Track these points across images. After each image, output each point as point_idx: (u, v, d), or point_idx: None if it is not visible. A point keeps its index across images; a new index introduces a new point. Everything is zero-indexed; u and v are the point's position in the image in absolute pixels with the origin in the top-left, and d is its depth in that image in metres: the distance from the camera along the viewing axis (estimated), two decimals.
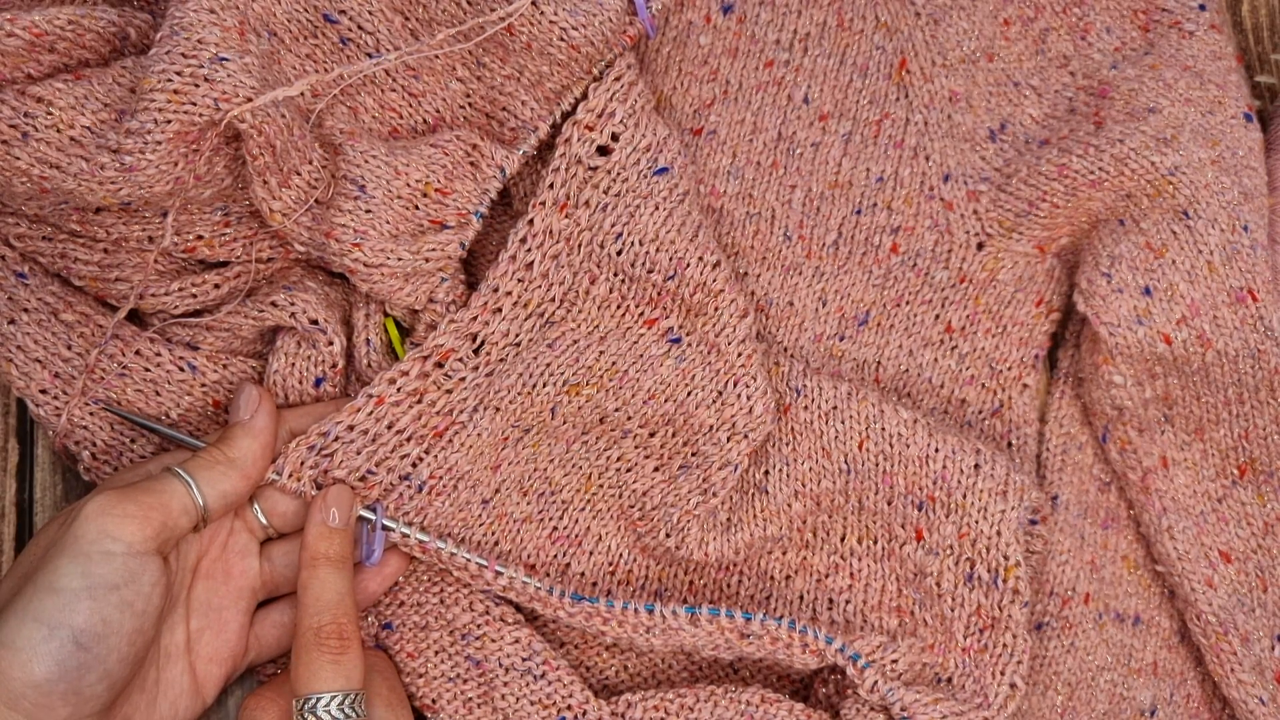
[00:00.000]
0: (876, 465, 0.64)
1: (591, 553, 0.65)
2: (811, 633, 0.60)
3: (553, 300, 0.63)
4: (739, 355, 0.63)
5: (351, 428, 0.60)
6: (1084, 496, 0.68)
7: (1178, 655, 0.67)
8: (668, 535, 0.63)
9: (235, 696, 0.65)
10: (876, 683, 0.59)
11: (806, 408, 0.65)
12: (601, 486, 0.65)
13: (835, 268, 0.69)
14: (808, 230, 0.69)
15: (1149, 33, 0.68)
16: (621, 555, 0.65)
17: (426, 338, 0.62)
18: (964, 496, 0.62)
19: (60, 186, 0.55)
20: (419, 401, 0.61)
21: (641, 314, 0.64)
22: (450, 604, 0.62)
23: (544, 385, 0.63)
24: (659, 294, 0.63)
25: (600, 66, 0.63)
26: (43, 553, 0.54)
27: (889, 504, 0.63)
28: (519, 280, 0.62)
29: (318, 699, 0.54)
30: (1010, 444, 0.68)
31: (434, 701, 0.62)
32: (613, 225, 0.62)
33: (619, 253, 0.62)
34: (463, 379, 0.61)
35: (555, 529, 0.65)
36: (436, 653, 0.62)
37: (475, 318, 0.62)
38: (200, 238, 0.61)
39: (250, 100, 0.54)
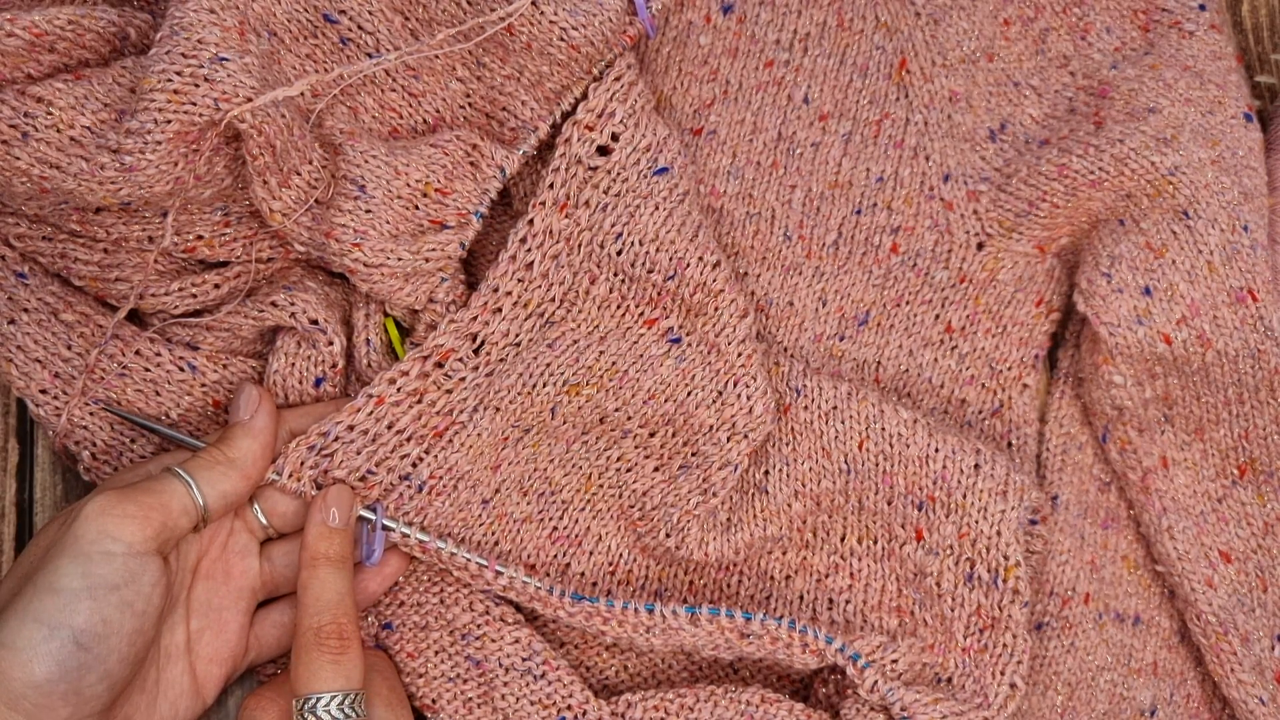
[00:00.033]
0: (876, 465, 0.64)
1: (591, 553, 0.65)
2: (811, 633, 0.60)
3: (553, 300, 0.63)
4: (739, 355, 0.63)
5: (351, 428, 0.60)
6: (1084, 496, 0.68)
7: (1178, 655, 0.67)
8: (668, 535, 0.63)
9: (235, 696, 0.65)
10: (876, 683, 0.59)
11: (806, 408, 0.65)
12: (601, 486, 0.65)
13: (835, 268, 0.69)
14: (808, 230, 0.69)
15: (1149, 33, 0.68)
16: (621, 555, 0.65)
17: (426, 338, 0.62)
18: (964, 496, 0.62)
19: (60, 186, 0.55)
20: (419, 401, 0.61)
21: (641, 314, 0.64)
22: (450, 604, 0.62)
23: (544, 385, 0.63)
24: (659, 294, 0.63)
25: (600, 66, 0.63)
26: (43, 553, 0.54)
27: (889, 504, 0.63)
28: (519, 280, 0.62)
29: (317, 699, 0.54)
30: (1010, 444, 0.68)
31: (434, 701, 0.62)
32: (613, 225, 0.62)
33: (619, 253, 0.62)
34: (463, 379, 0.61)
35: (555, 529, 0.65)
36: (436, 653, 0.62)
37: (475, 318, 0.62)
38: (200, 238, 0.61)
39: (250, 100, 0.54)
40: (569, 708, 0.61)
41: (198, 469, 0.56)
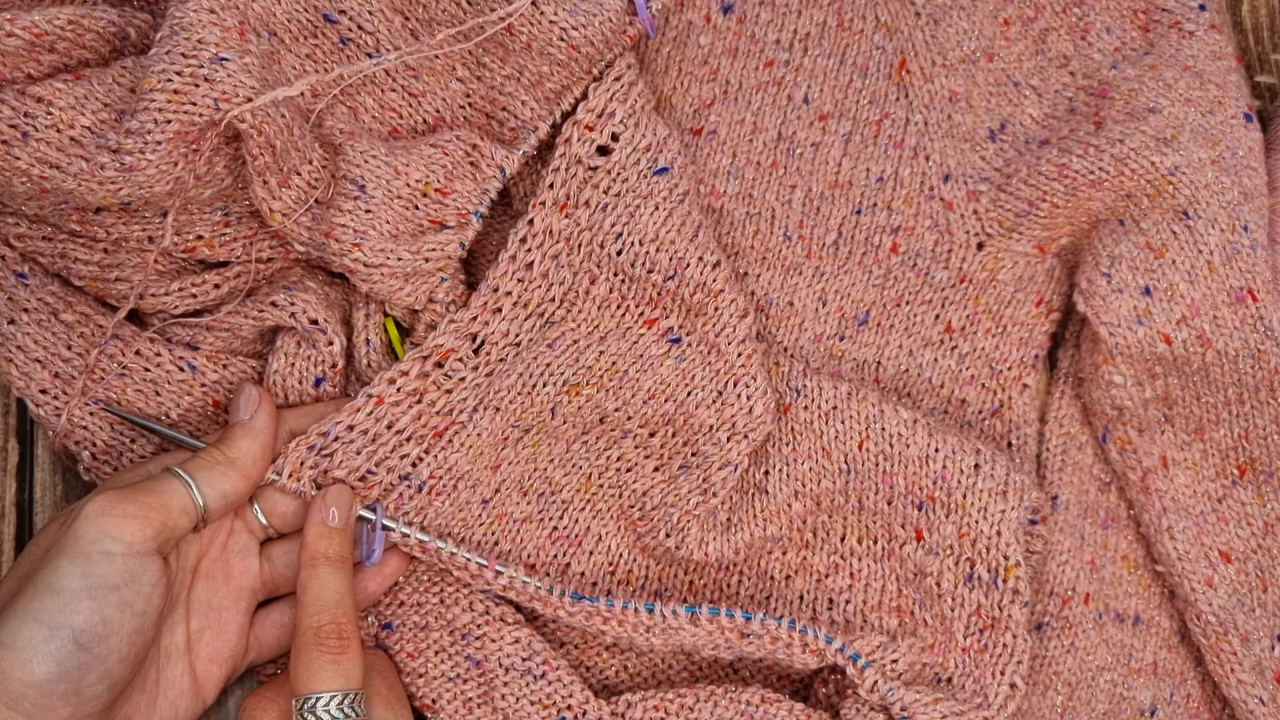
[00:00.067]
0: (876, 465, 0.64)
1: (591, 553, 0.65)
2: (811, 633, 0.60)
3: (553, 300, 0.63)
4: (739, 355, 0.63)
5: (351, 428, 0.60)
6: (1084, 496, 0.68)
7: (1178, 655, 0.67)
8: (668, 535, 0.63)
9: (235, 696, 0.65)
10: (876, 683, 0.59)
11: (806, 408, 0.65)
12: (601, 486, 0.65)
13: (835, 268, 0.69)
14: (808, 230, 0.69)
15: (1149, 33, 0.68)
16: (621, 555, 0.65)
17: (426, 338, 0.62)
18: (964, 496, 0.62)
19: (60, 186, 0.55)
20: (419, 401, 0.61)
21: (641, 314, 0.64)
22: (450, 604, 0.62)
23: (544, 385, 0.63)
24: (659, 294, 0.63)
25: (600, 66, 0.63)
26: (43, 553, 0.54)
27: (889, 504, 0.63)
28: (519, 280, 0.62)
29: (317, 699, 0.54)
30: (1010, 444, 0.68)
31: (434, 701, 0.62)
32: (613, 225, 0.62)
33: (619, 253, 0.62)
34: (463, 379, 0.61)
35: (555, 529, 0.65)
36: (436, 653, 0.62)
37: (475, 318, 0.62)
38: (200, 238, 0.61)
39: (250, 100, 0.54)
40: (569, 708, 0.61)
41: (198, 469, 0.56)
